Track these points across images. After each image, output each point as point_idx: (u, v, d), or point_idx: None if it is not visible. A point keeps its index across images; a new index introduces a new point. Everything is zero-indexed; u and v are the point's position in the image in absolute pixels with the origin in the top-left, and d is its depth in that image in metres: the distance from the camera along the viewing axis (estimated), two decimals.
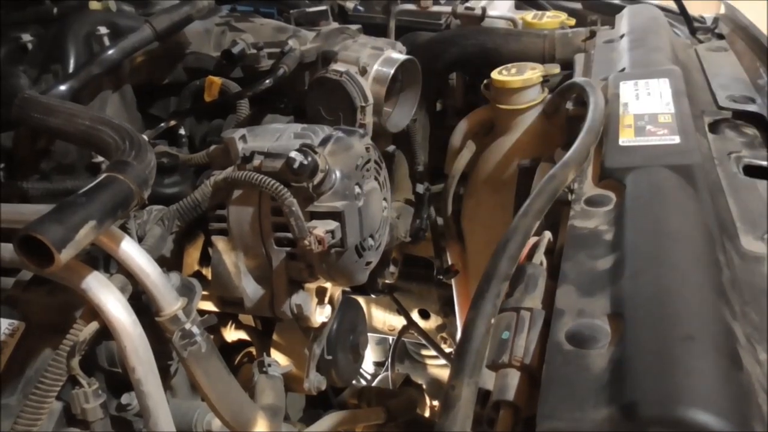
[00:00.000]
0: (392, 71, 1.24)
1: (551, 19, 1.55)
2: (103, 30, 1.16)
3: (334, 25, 1.44)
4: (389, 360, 2.39)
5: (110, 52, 1.12)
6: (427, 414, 2.00)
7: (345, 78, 1.21)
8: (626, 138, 0.83)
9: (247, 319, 1.30)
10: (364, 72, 1.23)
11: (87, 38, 1.15)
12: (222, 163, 1.07)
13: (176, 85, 1.38)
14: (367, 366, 2.65)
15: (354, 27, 1.41)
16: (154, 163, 0.83)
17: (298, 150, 0.95)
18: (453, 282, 1.65)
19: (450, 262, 1.62)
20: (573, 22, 1.57)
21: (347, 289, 1.48)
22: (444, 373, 2.36)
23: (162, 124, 1.28)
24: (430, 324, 2.02)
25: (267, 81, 1.23)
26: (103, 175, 0.76)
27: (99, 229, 0.71)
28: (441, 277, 1.63)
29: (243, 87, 1.28)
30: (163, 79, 1.37)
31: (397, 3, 1.62)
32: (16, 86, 1.06)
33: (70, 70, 1.11)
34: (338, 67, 1.23)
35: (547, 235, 0.73)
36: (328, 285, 1.12)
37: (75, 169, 1.12)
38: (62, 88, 1.06)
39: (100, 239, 0.79)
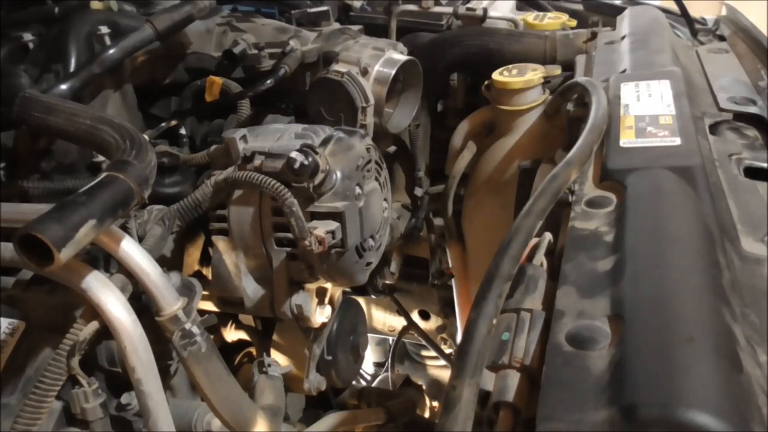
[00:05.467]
0: (393, 72, 1.24)
1: (552, 20, 1.55)
2: (104, 30, 1.16)
3: (336, 25, 1.44)
4: (389, 361, 2.39)
5: (111, 51, 1.12)
6: (426, 415, 2.00)
7: (346, 79, 1.21)
8: (627, 139, 0.83)
9: (247, 319, 1.30)
10: (365, 73, 1.23)
11: (88, 38, 1.15)
12: (223, 163, 1.07)
13: (177, 85, 1.38)
14: (367, 367, 2.65)
15: (355, 27, 1.41)
16: (154, 163, 0.83)
17: (299, 150, 0.95)
18: (453, 283, 1.65)
19: (450, 264, 1.62)
20: (574, 23, 1.57)
21: (347, 289, 1.48)
22: (444, 374, 2.36)
23: (163, 124, 1.29)
24: (430, 325, 2.02)
25: (268, 81, 1.23)
26: (104, 174, 0.76)
27: (99, 229, 0.71)
28: (436, 281, 1.64)
29: (244, 87, 1.28)
30: (164, 79, 1.37)
31: (398, 3, 1.62)
32: (17, 85, 1.06)
33: (72, 69, 1.11)
34: (339, 67, 1.23)
35: (548, 236, 0.73)
36: (328, 285, 1.12)
37: (76, 168, 1.12)
38: (63, 87, 1.06)
39: (101, 239, 0.79)
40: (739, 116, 0.94)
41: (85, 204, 0.70)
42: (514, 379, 0.57)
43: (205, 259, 1.18)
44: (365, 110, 1.22)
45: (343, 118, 1.22)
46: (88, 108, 0.98)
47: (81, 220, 0.69)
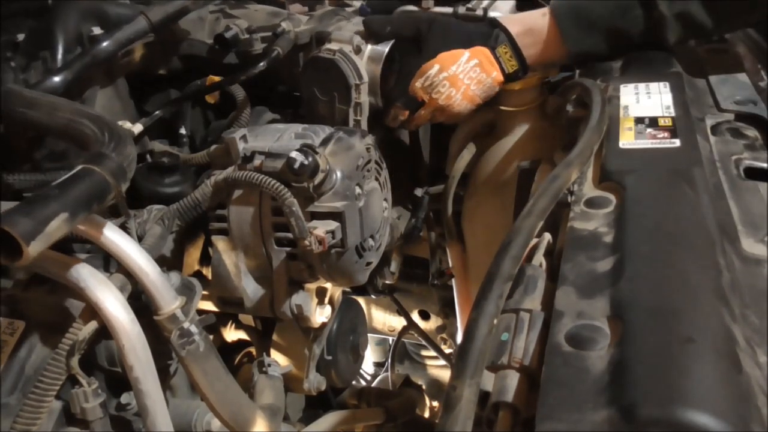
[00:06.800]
0: (387, 49, 1.23)
1: None
2: (97, 30, 1.15)
3: (329, 7, 1.43)
4: (389, 361, 2.39)
5: (105, 44, 1.11)
6: (426, 415, 2.00)
7: (338, 56, 1.19)
8: (626, 141, 0.83)
9: (247, 319, 1.30)
10: (358, 51, 1.21)
11: (77, 26, 1.15)
12: (222, 163, 1.07)
13: (172, 77, 1.38)
14: (367, 366, 2.65)
15: (350, 9, 1.40)
16: (133, 156, 0.82)
17: (299, 150, 0.95)
18: (453, 283, 1.65)
19: (450, 264, 1.62)
20: None
21: (347, 289, 1.48)
22: (444, 374, 2.36)
23: (157, 112, 1.27)
24: (430, 325, 2.01)
25: (261, 64, 1.23)
26: (79, 167, 0.75)
27: (72, 222, 0.70)
28: (436, 282, 1.64)
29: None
30: (157, 68, 1.36)
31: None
32: (3, 80, 1.05)
33: (59, 56, 1.10)
34: (332, 46, 1.22)
35: (547, 236, 0.73)
36: (328, 285, 1.12)
37: (67, 155, 1.11)
38: (56, 79, 1.05)
39: (100, 238, 0.80)
40: (740, 117, 0.94)
41: (56, 197, 0.70)
42: (513, 379, 0.57)
43: (205, 258, 1.18)
44: (359, 88, 1.20)
45: (337, 97, 1.21)
46: (69, 102, 0.97)
47: (52, 213, 0.68)
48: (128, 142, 0.82)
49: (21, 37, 1.15)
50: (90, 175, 0.74)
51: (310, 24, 1.32)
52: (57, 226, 0.68)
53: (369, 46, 1.22)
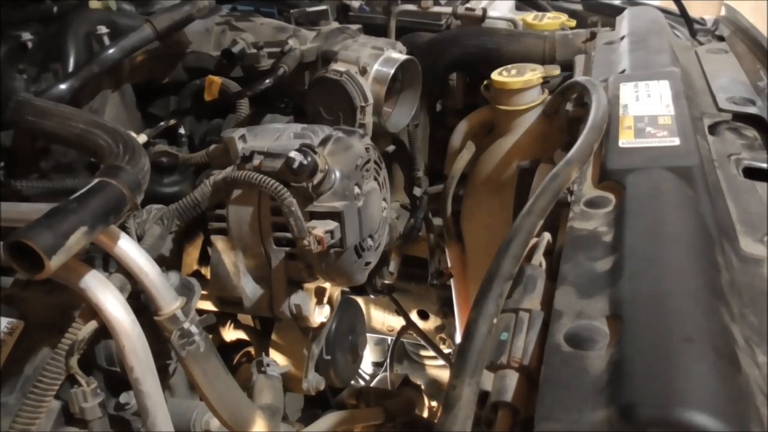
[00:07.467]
0: (392, 71, 1.24)
1: (552, 20, 1.55)
2: (103, 29, 1.16)
3: (335, 24, 1.44)
4: (388, 360, 2.40)
5: (111, 51, 1.12)
6: (425, 414, 2.00)
7: (345, 78, 1.21)
8: (626, 140, 0.83)
9: (246, 318, 1.30)
10: (364, 72, 1.23)
11: (87, 37, 1.15)
12: (222, 163, 1.07)
13: (176, 85, 1.38)
14: (366, 366, 2.65)
15: (354, 27, 1.41)
16: (147, 168, 0.83)
17: (298, 150, 0.94)
18: (452, 283, 1.65)
19: (449, 263, 1.62)
20: (573, 23, 1.57)
21: (346, 289, 1.48)
22: (442, 374, 2.36)
23: (162, 123, 1.28)
24: (428, 325, 2.02)
25: (267, 81, 1.23)
26: (96, 181, 0.76)
27: (90, 236, 0.71)
28: (435, 281, 1.64)
29: (243, 86, 1.28)
30: (163, 77, 1.37)
31: (397, 3, 1.62)
32: (13, 88, 1.05)
33: (70, 68, 1.11)
34: (338, 66, 1.23)
35: (546, 236, 0.73)
36: (327, 285, 1.12)
37: (74, 167, 1.12)
38: (62, 87, 1.06)
39: (99, 238, 0.79)
40: (738, 116, 0.94)
41: (76, 211, 0.70)
42: (512, 379, 0.57)
43: (204, 258, 1.18)
44: (364, 109, 1.22)
45: (342, 117, 1.22)
46: (82, 112, 0.98)
47: (72, 227, 0.69)
48: (142, 154, 0.83)
49: (26, 36, 1.15)
50: (107, 188, 0.75)
51: (316, 42, 1.33)
52: (77, 240, 0.69)
53: (375, 67, 1.24)
